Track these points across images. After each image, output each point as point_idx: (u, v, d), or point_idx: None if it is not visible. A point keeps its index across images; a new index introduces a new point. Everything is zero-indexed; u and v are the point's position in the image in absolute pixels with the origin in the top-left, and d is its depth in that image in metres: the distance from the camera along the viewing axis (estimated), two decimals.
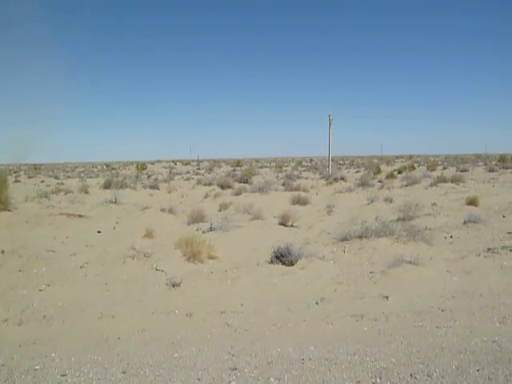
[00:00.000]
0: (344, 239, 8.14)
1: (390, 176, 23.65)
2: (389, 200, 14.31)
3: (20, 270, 6.49)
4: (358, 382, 3.09)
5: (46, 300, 5.09)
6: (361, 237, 7.93)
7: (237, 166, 51.80)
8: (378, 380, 3.10)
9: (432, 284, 5.40)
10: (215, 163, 60.47)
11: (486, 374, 3.13)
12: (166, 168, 52.95)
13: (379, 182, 22.28)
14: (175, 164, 66.84)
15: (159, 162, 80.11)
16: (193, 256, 6.85)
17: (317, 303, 4.91)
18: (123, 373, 3.34)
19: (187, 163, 67.24)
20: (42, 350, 3.81)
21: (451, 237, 8.34)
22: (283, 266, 6.31)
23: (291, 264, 6.34)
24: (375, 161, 56.69)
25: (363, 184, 20.00)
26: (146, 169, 48.01)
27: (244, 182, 25.50)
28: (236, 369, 3.34)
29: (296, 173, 35.00)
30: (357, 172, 35.73)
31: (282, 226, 11.21)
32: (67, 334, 4.17)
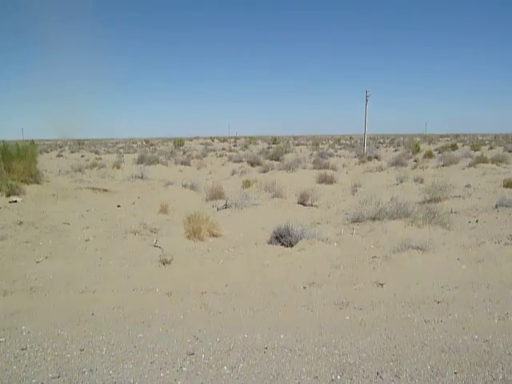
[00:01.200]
0: (356, 220, 7.74)
1: (428, 155, 22.36)
2: (419, 180, 13.51)
3: (27, 242, 6.68)
4: (316, 377, 2.85)
5: (39, 272, 5.18)
6: (374, 218, 7.49)
7: (273, 143, 51.24)
8: (338, 377, 2.84)
9: (436, 272, 4.96)
10: (252, 140, 60.12)
11: (463, 379, 2.78)
12: (202, 144, 53.37)
13: (415, 161, 21.16)
14: (212, 141, 67.26)
15: (197, 138, 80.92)
16: (193, 233, 6.76)
17: (304, 287, 4.65)
18: (80, 350, 3.29)
19: (224, 140, 67.45)
20: (15, 321, 3.85)
21: (476, 221, 7.69)
22: (282, 247, 6.07)
23: (290, 245, 6.08)
24: (417, 139, 54.02)
25: (396, 163, 19.07)
26: (182, 145, 48.67)
27: (275, 160, 25.15)
28: (193, 354, 3.20)
29: (331, 151, 34.13)
30: (395, 151, 34.24)
31: (300, 205, 10.90)
32: (45, 307, 4.20)
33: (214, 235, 7.07)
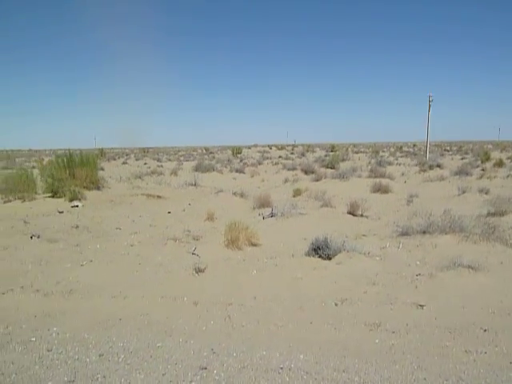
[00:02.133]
0: (405, 233, 7.25)
1: (498, 164, 20.59)
2: (484, 191, 12.44)
3: (77, 245, 7.06)
4: None
5: (81, 275, 5.42)
6: (424, 232, 6.97)
7: (331, 151, 50.38)
8: None
9: (487, 295, 4.45)
10: (309, 148, 59.60)
11: None
12: (260, 152, 53.84)
13: (482, 170, 19.58)
14: (270, 148, 67.64)
15: (255, 146, 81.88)
16: (231, 242, 6.72)
17: (336, 304, 4.39)
18: (100, 355, 3.35)
19: (282, 148, 67.55)
20: (49, 322, 4.04)
21: None
22: (319, 260, 5.82)
23: (328, 258, 5.81)
24: (489, 146, 50.13)
25: (460, 172, 17.77)
26: (240, 153, 49.50)
27: (330, 168, 24.67)
28: (206, 368, 3.12)
29: (391, 159, 32.75)
30: (462, 159, 32.02)
31: (349, 216, 10.49)
32: (78, 309, 4.36)
33: (252, 244, 6.99)
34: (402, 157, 38.13)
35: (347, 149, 59.44)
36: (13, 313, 4.28)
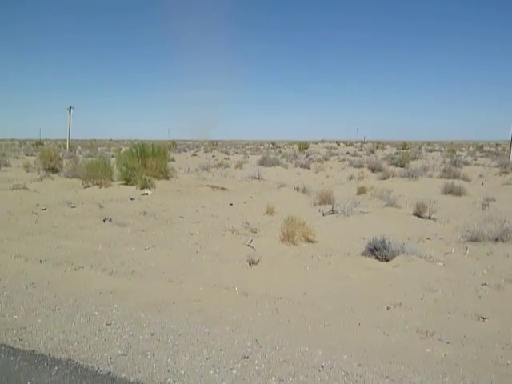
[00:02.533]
0: (474, 240, 6.74)
1: None
2: None
3: (143, 230, 7.53)
4: None
5: (143, 258, 5.79)
6: (496, 239, 6.43)
7: (402, 148, 48.07)
8: None
9: None
10: (379, 145, 57.36)
11: None
12: (327, 148, 52.96)
13: None
14: (338, 144, 66.21)
15: (323, 142, 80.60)
16: (287, 237, 6.74)
17: (388, 308, 4.23)
18: (151, 334, 3.57)
19: (350, 144, 65.79)
20: (111, 299, 4.38)
21: None
22: (375, 261, 5.64)
23: (385, 259, 5.60)
24: None
25: None
26: (307, 148, 49.06)
27: (400, 166, 23.56)
28: (247, 358, 3.19)
29: (469, 159, 30.40)
30: None
31: (414, 217, 9.98)
32: (138, 290, 4.67)
33: (308, 240, 6.94)
34: (481, 157, 35.21)
35: (420, 147, 56.24)
36: (82, 288, 4.70)
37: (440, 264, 5.61)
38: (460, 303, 4.34)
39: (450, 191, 13.61)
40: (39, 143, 53.39)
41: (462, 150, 47.70)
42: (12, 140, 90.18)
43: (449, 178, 16.50)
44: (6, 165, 19.78)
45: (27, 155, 31.22)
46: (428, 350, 3.40)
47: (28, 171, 17.73)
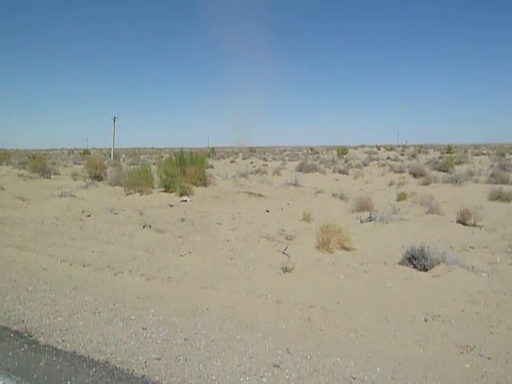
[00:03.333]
0: None
1: None
2: None
3: (180, 237, 7.72)
4: None
5: (180, 264, 5.94)
6: None
7: (447, 152, 46.19)
8: None
9: None
10: (422, 149, 55.45)
11: None
12: (367, 153, 51.87)
13: None
14: (378, 149, 64.67)
15: (362, 147, 79.06)
16: (322, 244, 6.67)
17: (425, 320, 4.08)
18: (185, 339, 3.66)
19: (391, 148, 64.05)
20: (147, 304, 4.53)
21: None
22: (414, 270, 5.44)
23: (424, 269, 5.40)
24: None
25: None
26: (346, 153, 48.31)
27: (443, 171, 22.68)
28: (278, 366, 3.19)
29: None
30: None
31: (458, 224, 9.56)
32: (173, 295, 4.80)
33: (344, 248, 6.83)
34: None
35: (466, 150, 53.75)
36: (120, 292, 4.89)
37: (484, 275, 5.33)
38: (504, 317, 4.11)
39: (498, 197, 12.91)
40: (86, 152, 56.13)
41: (511, 154, 45.12)
42: (62, 149, 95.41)
43: (496, 183, 15.68)
44: (55, 173, 20.93)
45: (75, 164, 32.92)
46: (467, 366, 3.24)
47: (75, 179, 18.70)
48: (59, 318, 4.12)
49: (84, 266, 5.88)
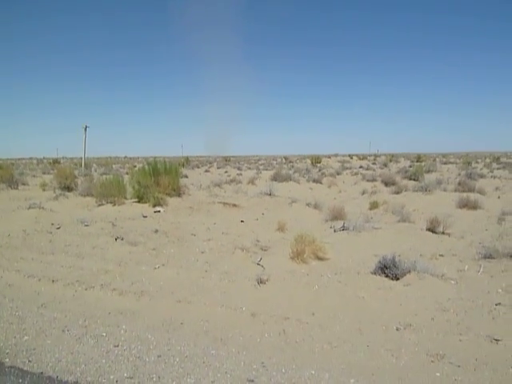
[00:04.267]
0: (489, 256, 6.60)
1: None
2: None
3: (154, 249, 7.59)
4: None
5: (153, 278, 5.83)
6: None
7: (417, 161, 47.63)
8: None
9: None
10: (393, 158, 56.94)
11: None
12: (340, 162, 52.79)
13: None
14: (351, 158, 65.94)
15: (336, 155, 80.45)
16: (297, 255, 6.71)
17: (397, 329, 4.16)
18: (158, 356, 3.59)
19: (363, 157, 65.46)
20: (120, 320, 4.42)
21: None
22: (386, 279, 5.55)
23: (396, 278, 5.52)
24: None
25: None
26: (320, 162, 48.98)
27: (414, 180, 23.31)
28: (253, 381, 3.18)
29: (485, 171, 29.95)
30: None
31: (428, 232, 9.83)
32: (147, 310, 4.70)
33: (318, 258, 6.90)
34: (498, 169, 34.59)
35: (435, 159, 55.57)
36: (92, 308, 4.76)
37: (452, 282, 5.50)
38: (473, 324, 4.24)
39: (465, 205, 13.37)
40: (56, 161, 54.63)
41: (477, 162, 46.99)
42: (30, 158, 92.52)
43: (464, 191, 16.25)
44: (23, 183, 20.21)
45: (44, 173, 31.93)
46: (438, 374, 3.32)
47: (44, 190, 18.11)
48: (26, 337, 3.96)
49: (53, 281, 5.69)
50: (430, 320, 4.37)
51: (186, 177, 27.22)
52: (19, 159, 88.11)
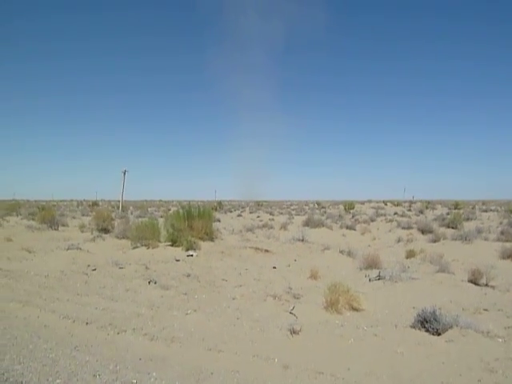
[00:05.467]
0: None
1: None
2: None
3: (185, 294, 7.59)
4: None
5: (184, 323, 5.79)
6: None
7: (454, 208, 46.06)
8: None
9: None
10: (429, 204, 55.37)
11: None
12: (373, 208, 51.85)
13: None
14: (386, 204, 64.69)
15: (369, 202, 79.29)
16: (330, 305, 6.50)
17: None
18: None
19: (398, 204, 64.08)
20: (150, 367, 4.37)
21: None
22: (426, 334, 5.25)
23: (437, 333, 5.20)
24: None
25: None
26: (353, 208, 48.34)
27: (452, 228, 22.48)
28: None
29: None
30: None
31: (470, 284, 9.31)
32: (177, 357, 4.63)
33: (353, 308, 6.65)
34: None
35: (474, 206, 53.56)
36: (123, 353, 4.75)
37: (500, 340, 5.12)
38: None
39: (509, 256, 12.68)
40: (95, 204, 56.84)
41: None
42: (71, 200, 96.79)
43: (507, 240, 15.47)
44: (63, 225, 21.08)
45: (83, 215, 33.21)
46: None
47: (83, 231, 18.78)
48: (58, 380, 3.98)
49: (87, 323, 5.75)
50: (476, 382, 4.05)
51: (219, 221, 27.47)
52: (60, 201, 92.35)
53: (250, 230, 21.61)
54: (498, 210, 44.58)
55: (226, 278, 9.45)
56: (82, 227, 19.73)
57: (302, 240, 16.55)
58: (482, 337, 5.11)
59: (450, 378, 4.11)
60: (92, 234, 17.12)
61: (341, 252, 13.92)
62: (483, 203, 68.83)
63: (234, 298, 7.45)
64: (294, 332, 5.39)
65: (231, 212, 45.98)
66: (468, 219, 28.23)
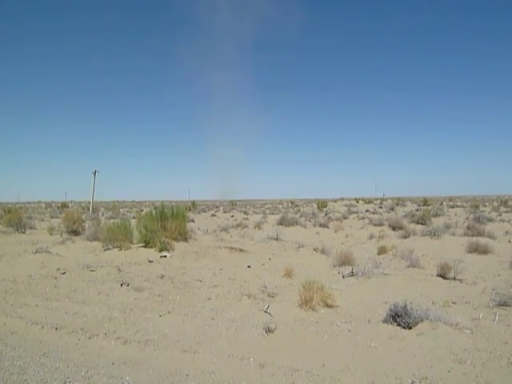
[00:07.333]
0: (504, 304, 6.40)
1: None
2: None
3: (160, 295, 7.47)
4: None
5: (158, 326, 5.70)
6: None
7: (423, 204, 47.48)
8: None
9: None
10: (399, 201, 56.88)
11: None
12: (346, 206, 52.76)
13: None
14: (357, 202, 65.97)
15: (342, 199, 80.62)
16: (305, 302, 6.55)
17: (412, 383, 3.96)
18: None
19: (370, 201, 65.46)
20: (123, 371, 4.27)
21: None
22: (398, 328, 5.37)
23: (408, 327, 5.33)
24: None
25: None
26: (326, 206, 48.99)
27: (421, 224, 23.15)
28: None
29: (493, 215, 29.69)
30: None
31: (439, 278, 9.61)
32: (151, 360, 4.55)
33: (327, 305, 6.73)
34: (507, 212, 34.33)
35: (442, 203, 55.37)
36: (94, 358, 4.62)
37: (467, 332, 5.30)
38: (491, 377, 4.04)
39: (476, 250, 13.17)
40: (64, 205, 55.19)
41: (485, 206, 46.69)
42: (39, 202, 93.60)
43: (473, 235, 16.06)
44: (31, 227, 20.36)
45: (52, 217, 32.19)
46: None
47: (51, 234, 18.20)
48: None
49: (56, 328, 5.56)
50: (446, 373, 4.18)
51: (193, 221, 27.24)
52: (28, 203, 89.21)
53: (225, 229, 21.50)
54: (464, 206, 46.29)
55: (201, 278, 9.36)
56: (50, 230, 19.11)
57: (277, 239, 16.63)
58: (451, 329, 5.27)
59: (421, 369, 4.22)
60: (62, 236, 16.62)
61: (315, 250, 14.08)
62: (450, 199, 71.30)
63: (209, 299, 7.39)
64: (269, 331, 5.39)
65: (205, 212, 45.68)
66: (436, 215, 29.15)
